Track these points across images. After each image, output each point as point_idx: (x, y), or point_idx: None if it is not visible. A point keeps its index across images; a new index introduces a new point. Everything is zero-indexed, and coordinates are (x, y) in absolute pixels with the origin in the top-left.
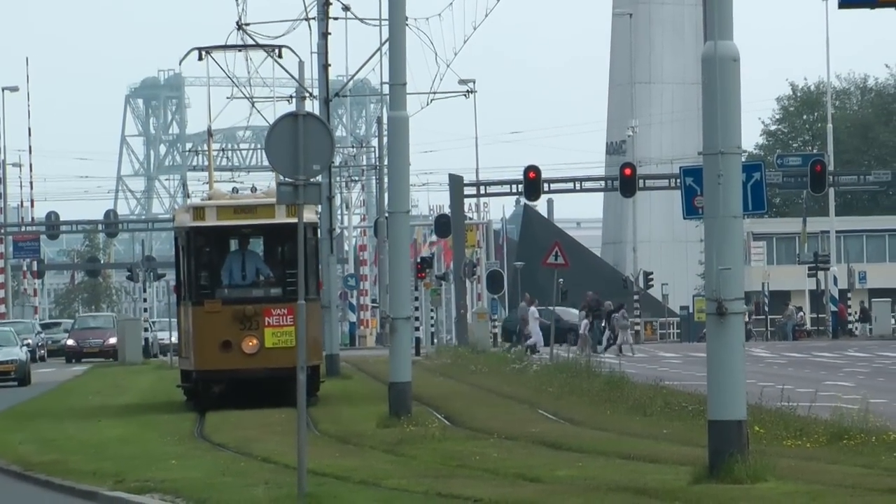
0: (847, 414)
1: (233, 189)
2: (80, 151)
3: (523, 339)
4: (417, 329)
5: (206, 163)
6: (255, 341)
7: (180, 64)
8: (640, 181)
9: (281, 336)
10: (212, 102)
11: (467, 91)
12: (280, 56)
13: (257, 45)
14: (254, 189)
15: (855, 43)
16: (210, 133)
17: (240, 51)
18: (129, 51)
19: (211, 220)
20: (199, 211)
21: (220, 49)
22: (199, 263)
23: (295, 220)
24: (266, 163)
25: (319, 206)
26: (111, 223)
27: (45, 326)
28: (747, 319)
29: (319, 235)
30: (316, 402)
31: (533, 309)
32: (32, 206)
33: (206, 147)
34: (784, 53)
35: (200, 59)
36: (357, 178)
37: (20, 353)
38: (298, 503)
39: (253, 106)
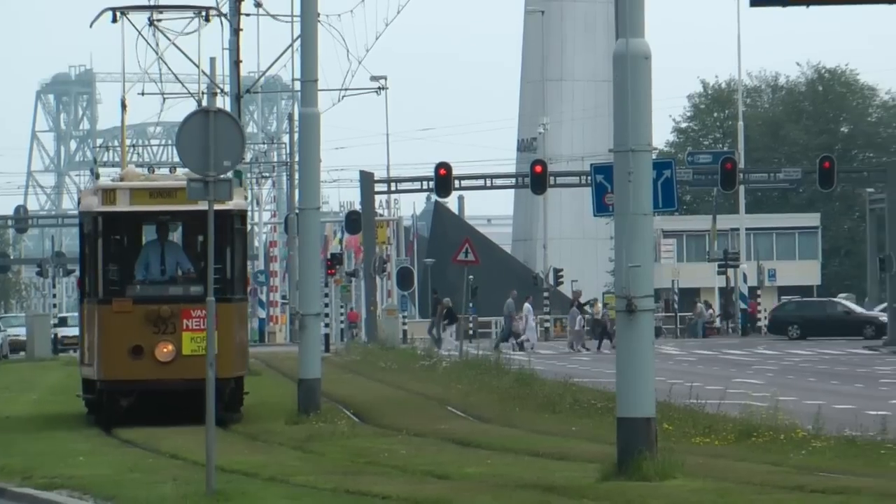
0: (756, 411)
1: (148, 168)
2: None
3: (514, 335)
4: (327, 325)
5: (118, 159)
6: (170, 347)
7: (91, 26)
8: (551, 178)
9: (201, 342)
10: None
11: (379, 88)
12: (208, 20)
13: (183, 7)
14: (173, 169)
15: (766, 41)
16: (124, 105)
17: (160, 13)
18: (41, 46)
19: (123, 205)
20: (109, 193)
21: (136, 10)
22: (108, 255)
23: (223, 206)
24: (178, 159)
25: (249, 193)
26: (21, 218)
27: None
28: (661, 314)
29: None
30: (240, 418)
31: (528, 306)
32: None
33: (117, 143)
34: (696, 51)
35: (115, 20)
36: (268, 175)
37: None
38: (207, 500)
39: (164, 101)
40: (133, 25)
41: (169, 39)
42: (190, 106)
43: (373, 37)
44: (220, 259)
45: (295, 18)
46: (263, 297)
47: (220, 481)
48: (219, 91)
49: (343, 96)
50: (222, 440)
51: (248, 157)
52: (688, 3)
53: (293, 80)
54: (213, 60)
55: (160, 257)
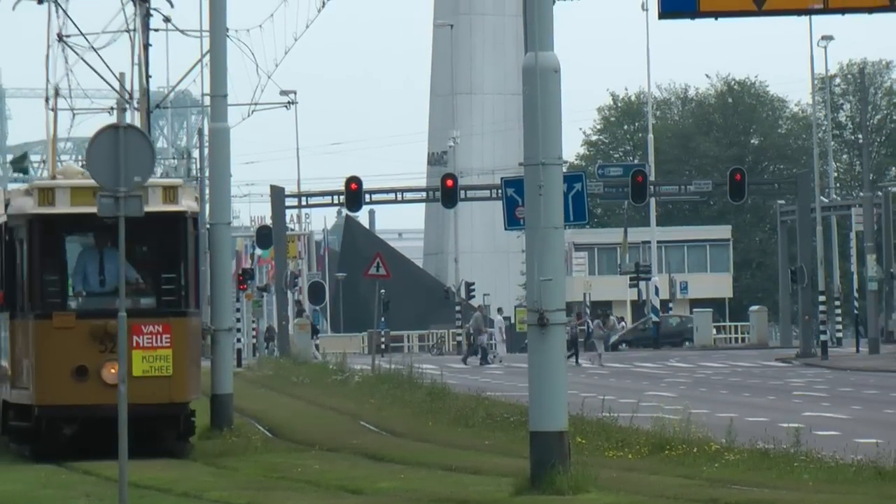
0: (669, 424)
1: (84, 166)
2: None
3: (482, 349)
4: (239, 341)
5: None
6: (117, 368)
7: (13, 9)
8: (462, 192)
9: (154, 361)
10: (31, 113)
11: (288, 102)
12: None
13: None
14: None
15: (675, 53)
16: (56, 92)
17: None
18: None
19: (62, 206)
20: (45, 193)
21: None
22: (45, 263)
23: (174, 207)
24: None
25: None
26: None
27: None
28: (582, 328)
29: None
30: (191, 449)
31: (500, 318)
32: None
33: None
34: (606, 64)
35: (40, 2)
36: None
37: None
38: None
39: (74, 116)
40: (60, 6)
41: (77, 55)
42: (100, 121)
43: (282, 51)
44: (173, 268)
45: (204, 34)
46: None
47: (132, 497)
48: (128, 106)
49: (253, 111)
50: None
51: (159, 172)
52: (597, 15)
53: (203, 94)
54: (122, 76)
55: (99, 265)
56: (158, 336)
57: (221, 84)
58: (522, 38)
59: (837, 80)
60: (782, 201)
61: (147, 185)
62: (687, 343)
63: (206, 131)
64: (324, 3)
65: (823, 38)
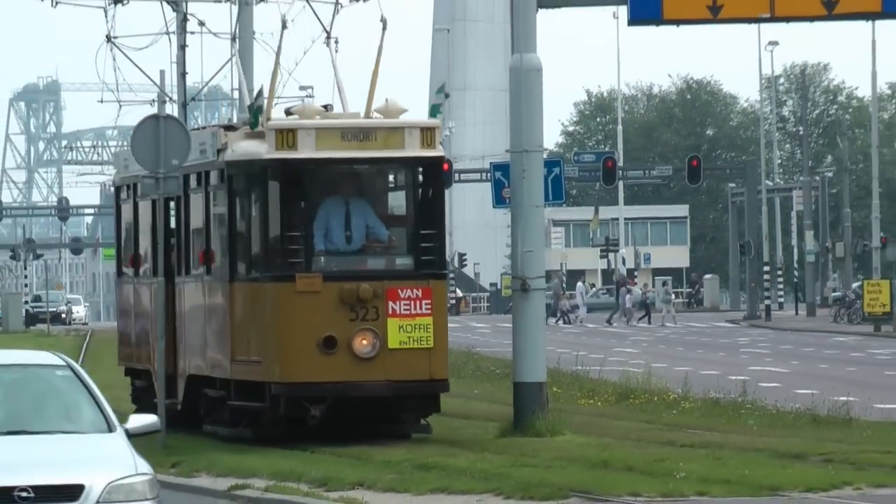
0: (633, 377)
1: (325, 107)
2: None
3: (560, 312)
4: None
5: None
6: (370, 339)
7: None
8: (456, 175)
9: (412, 332)
10: (84, 104)
11: (306, 96)
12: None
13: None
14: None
15: (642, 55)
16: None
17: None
18: (10, 60)
19: (307, 150)
20: (285, 135)
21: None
22: (284, 217)
23: (434, 152)
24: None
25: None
26: None
27: None
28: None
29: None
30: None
31: (581, 285)
32: None
33: (80, 144)
34: (582, 65)
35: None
36: None
37: None
38: (160, 457)
39: (120, 108)
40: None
41: (124, 55)
42: (143, 112)
43: (301, 52)
44: (432, 222)
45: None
46: None
47: (169, 436)
48: (167, 99)
49: (276, 104)
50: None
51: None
52: (575, 23)
53: (232, 89)
54: (162, 73)
55: (344, 220)
56: (417, 302)
57: (248, 77)
58: (510, 41)
59: (782, 80)
60: (733, 184)
61: (403, 126)
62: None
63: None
64: (336, 13)
65: (770, 43)
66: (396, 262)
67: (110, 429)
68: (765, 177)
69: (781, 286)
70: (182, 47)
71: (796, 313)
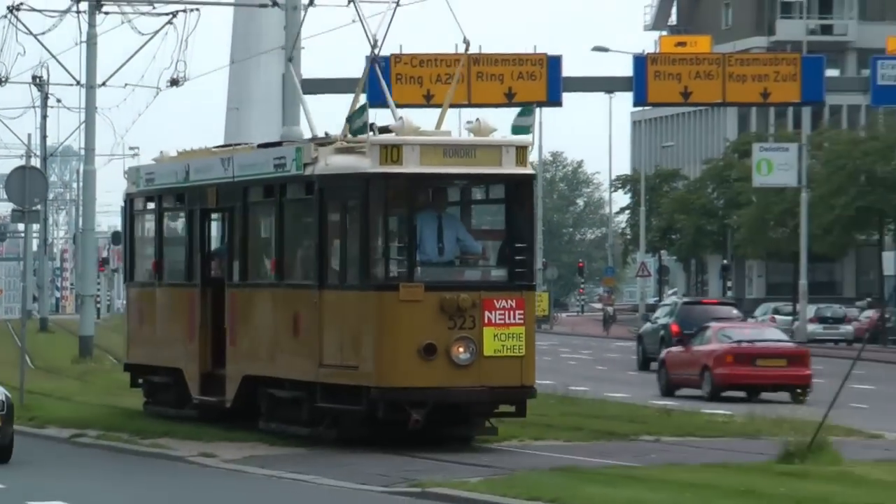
0: None
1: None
2: None
3: None
4: (99, 301)
5: None
6: (468, 346)
7: None
8: None
9: (506, 340)
10: None
11: (133, 154)
12: None
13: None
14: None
15: None
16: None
17: None
18: None
19: (411, 165)
20: (390, 150)
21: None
22: (387, 229)
23: (526, 170)
24: (4, 196)
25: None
26: None
27: None
28: None
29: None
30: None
31: None
32: None
33: None
34: None
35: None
36: (63, 208)
37: None
38: (19, 411)
39: None
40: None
41: (2, 122)
42: (14, 163)
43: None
44: (524, 236)
45: (82, 109)
46: (58, 284)
47: (27, 398)
48: (32, 154)
49: (111, 160)
50: (30, 373)
51: (51, 196)
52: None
53: (79, 147)
54: (29, 136)
55: (437, 232)
56: (511, 312)
57: (91, 140)
58: None
59: None
60: None
61: (501, 144)
62: None
63: (81, 171)
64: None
65: None
66: (492, 273)
67: None
68: None
69: None
70: (44, 117)
71: None
